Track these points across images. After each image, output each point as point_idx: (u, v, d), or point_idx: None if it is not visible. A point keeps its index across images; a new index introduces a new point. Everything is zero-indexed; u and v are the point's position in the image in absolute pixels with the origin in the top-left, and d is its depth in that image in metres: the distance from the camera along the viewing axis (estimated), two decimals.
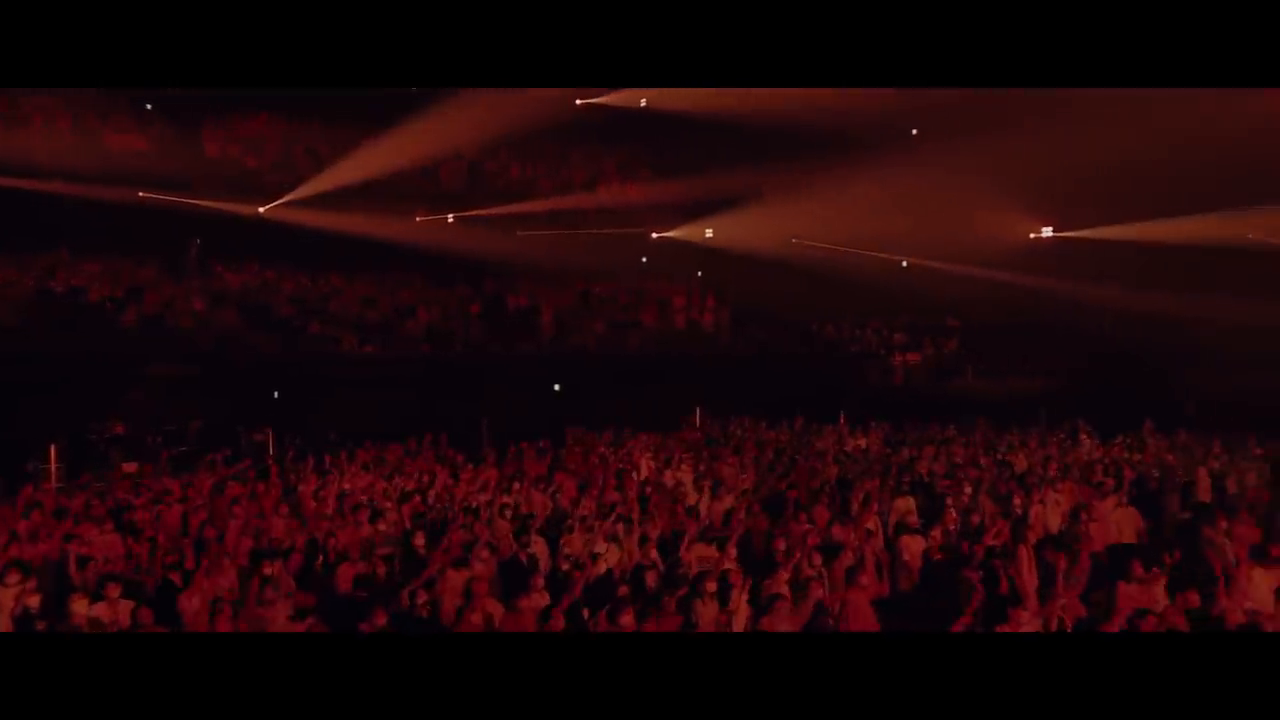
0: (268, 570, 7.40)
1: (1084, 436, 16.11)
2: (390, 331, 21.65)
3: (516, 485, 11.17)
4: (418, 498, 11.00)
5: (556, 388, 20.95)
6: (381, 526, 9.19)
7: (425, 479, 12.25)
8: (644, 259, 25.43)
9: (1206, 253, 19.56)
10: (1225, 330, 18.89)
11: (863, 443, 16.09)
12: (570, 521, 9.22)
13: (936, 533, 9.28)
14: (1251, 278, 19.28)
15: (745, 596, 6.95)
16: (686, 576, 7.43)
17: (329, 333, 20.42)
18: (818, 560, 7.79)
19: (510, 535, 9.08)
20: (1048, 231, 23.04)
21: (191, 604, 7.08)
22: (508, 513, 9.76)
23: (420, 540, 8.69)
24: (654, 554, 8.27)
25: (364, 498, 10.79)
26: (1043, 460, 13.43)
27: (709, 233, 24.85)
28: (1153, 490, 12.38)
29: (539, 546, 8.69)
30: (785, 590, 7.18)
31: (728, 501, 10.66)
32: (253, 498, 10.61)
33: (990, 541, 8.64)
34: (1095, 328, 21.18)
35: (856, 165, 24.42)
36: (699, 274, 25.35)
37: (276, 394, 18.37)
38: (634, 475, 12.33)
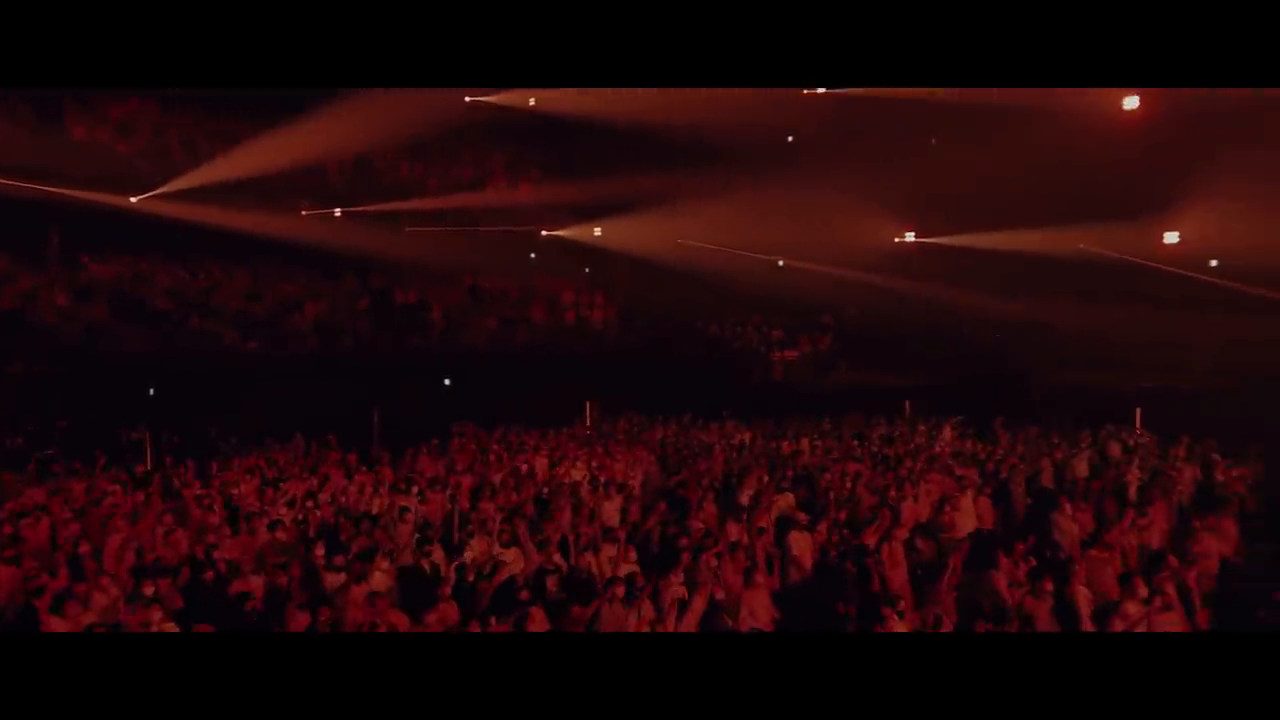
0: (149, 590, 6.81)
1: (946, 429, 16.91)
2: (276, 326, 20.67)
3: (415, 488, 10.81)
4: (310, 503, 10.50)
5: (447, 383, 20.52)
6: (281, 535, 8.68)
7: (316, 482, 11.71)
8: (533, 255, 25.19)
9: (1048, 262, 20.85)
10: (1065, 332, 20.24)
11: (746, 437, 16.39)
12: (471, 526, 8.98)
13: (822, 527, 9.50)
14: (1084, 286, 20.69)
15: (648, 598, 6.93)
16: (590, 580, 7.38)
17: (210, 328, 19.29)
18: (714, 560, 7.86)
19: (410, 540, 8.79)
20: (910, 237, 24.01)
21: (63, 629, 6.29)
22: (409, 516, 9.43)
23: (320, 551, 8.24)
24: (556, 557, 8.17)
25: (256, 504, 10.21)
26: (912, 453, 13.99)
27: (597, 231, 24.78)
28: (1003, 480, 13.09)
29: (438, 554, 8.41)
30: (683, 591, 7.22)
31: (621, 501, 10.64)
32: (134, 507, 9.87)
33: (872, 536, 8.94)
34: (953, 327, 22.26)
35: (737, 170, 24.94)
36: (586, 271, 25.31)
37: (152, 391, 17.23)
38: (531, 475, 12.16)
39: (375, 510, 10.09)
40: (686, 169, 23.50)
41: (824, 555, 9.09)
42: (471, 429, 15.80)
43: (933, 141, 24.03)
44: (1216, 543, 9.83)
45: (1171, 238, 20.75)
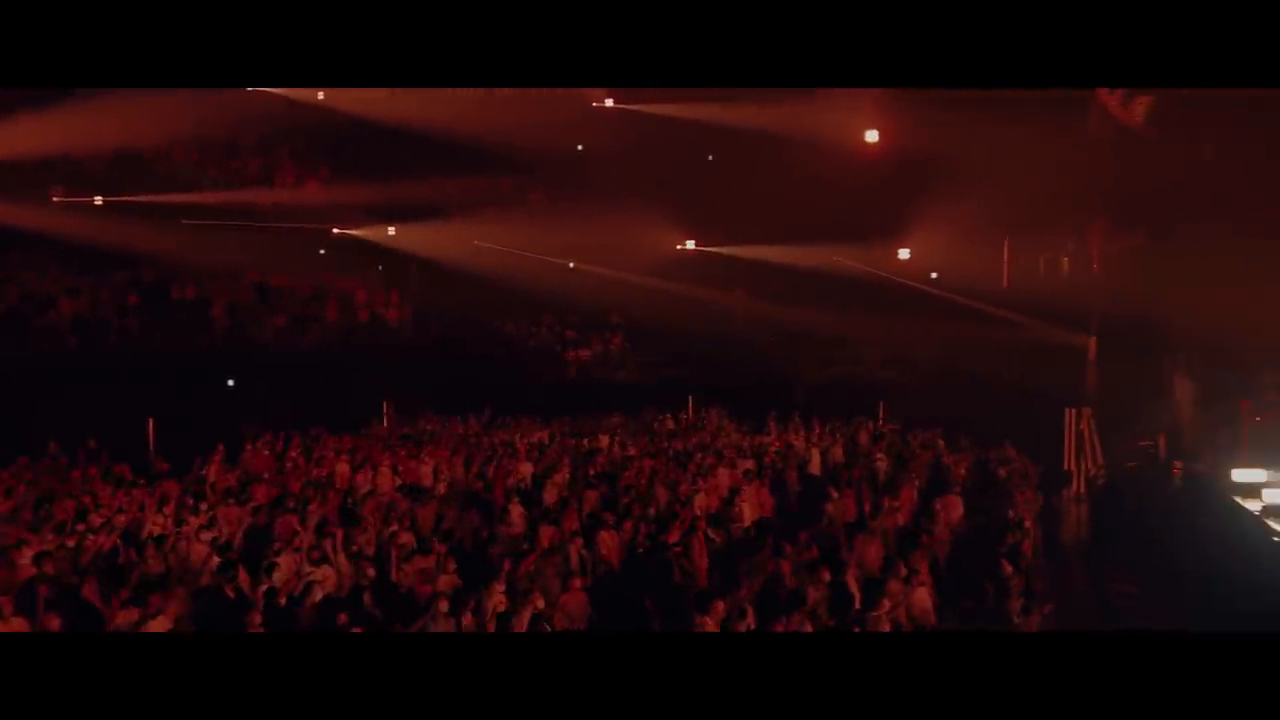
0: None
1: (726, 422, 17.76)
2: (25, 323, 17.86)
3: (204, 505, 9.72)
4: (81, 525, 9.11)
5: (231, 383, 18.73)
6: (49, 568, 7.41)
7: (86, 500, 10.16)
8: (322, 252, 23.56)
9: (807, 272, 22.45)
10: (823, 334, 21.89)
11: (544, 435, 16.31)
12: (276, 544, 8.21)
13: (627, 526, 9.62)
14: (837, 294, 22.50)
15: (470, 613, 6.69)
16: (411, 594, 6.99)
17: None
18: (532, 566, 7.73)
19: (206, 563, 7.89)
20: (691, 245, 24.96)
21: None
22: (205, 535, 8.44)
23: (91, 587, 7.13)
24: (371, 571, 7.67)
25: (14, 532, 8.70)
26: (700, 446, 14.54)
27: (391, 231, 23.60)
28: (779, 470, 13.96)
29: (242, 577, 7.58)
30: (504, 600, 7.04)
31: (436, 507, 10.21)
32: None
33: (675, 532, 9.18)
34: (729, 329, 23.31)
35: (530, 177, 24.76)
36: (380, 269, 24.05)
37: None
38: (333, 483, 11.35)
39: (160, 531, 8.95)
40: (481, 174, 23.02)
41: (630, 553, 9.24)
42: (267, 435, 14.40)
43: (709, 158, 25.17)
44: (947, 519, 11.07)
45: (904, 254, 23.11)
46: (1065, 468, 13.44)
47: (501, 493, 11.40)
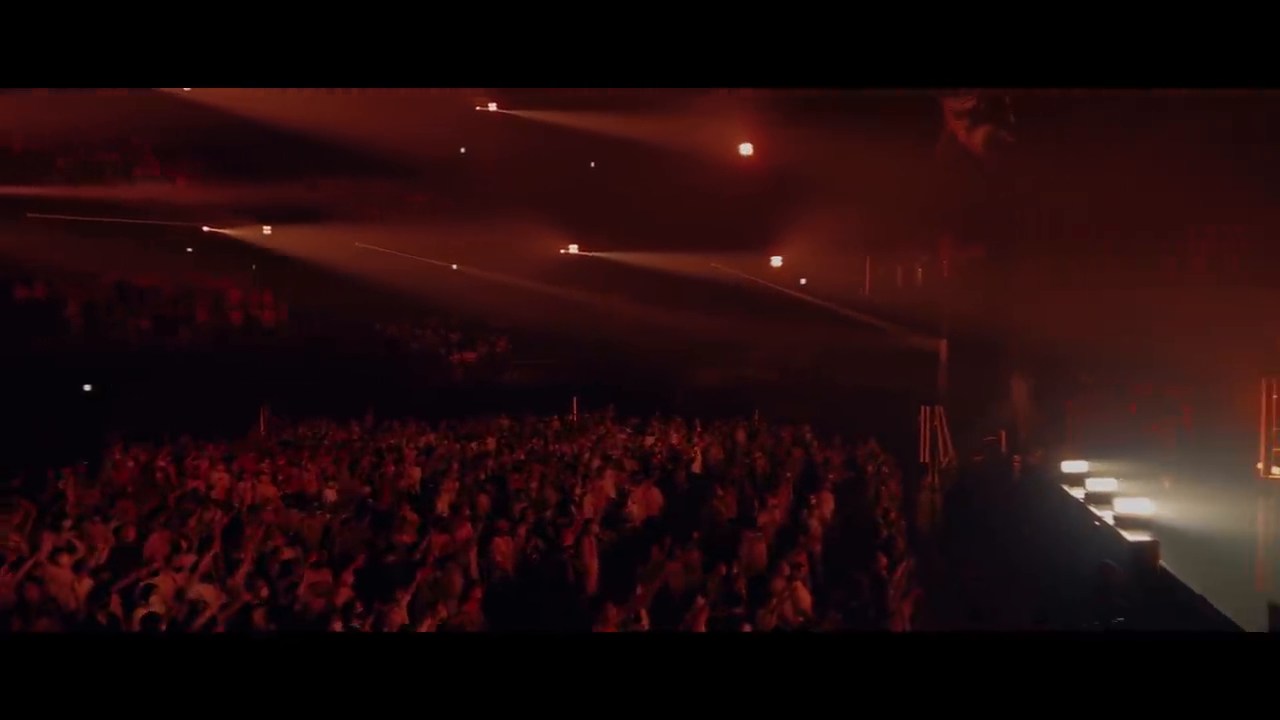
0: None
1: (611, 424, 17.83)
2: None
3: (67, 522, 8.87)
4: None
5: (88, 388, 17.24)
6: None
7: None
8: (190, 250, 22.06)
9: (688, 278, 22.90)
10: (702, 337, 22.36)
11: (431, 438, 15.90)
12: (155, 564, 7.60)
13: (521, 530, 9.50)
14: (715, 299, 23.07)
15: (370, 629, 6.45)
16: (305, 611, 6.66)
17: None
18: (431, 576, 7.53)
19: (72, 588, 7.21)
20: (574, 249, 24.94)
21: None
22: (63, 559, 7.69)
23: None
24: (264, 589, 7.22)
25: None
26: (589, 449, 14.55)
27: (267, 230, 22.38)
28: (668, 470, 14.13)
29: (115, 603, 6.95)
30: (405, 615, 6.83)
31: (325, 518, 9.74)
32: None
33: (569, 535, 9.15)
34: (613, 331, 23.45)
35: (412, 178, 24.05)
36: (254, 269, 22.75)
37: None
38: (211, 495, 10.63)
39: (15, 556, 8.08)
40: (362, 175, 22.21)
41: (524, 557, 9.14)
42: (133, 444, 13.29)
43: (592, 165, 25.24)
44: (821, 515, 11.54)
45: (777, 262, 23.96)
46: (921, 461, 14.28)
47: (391, 499, 11.04)
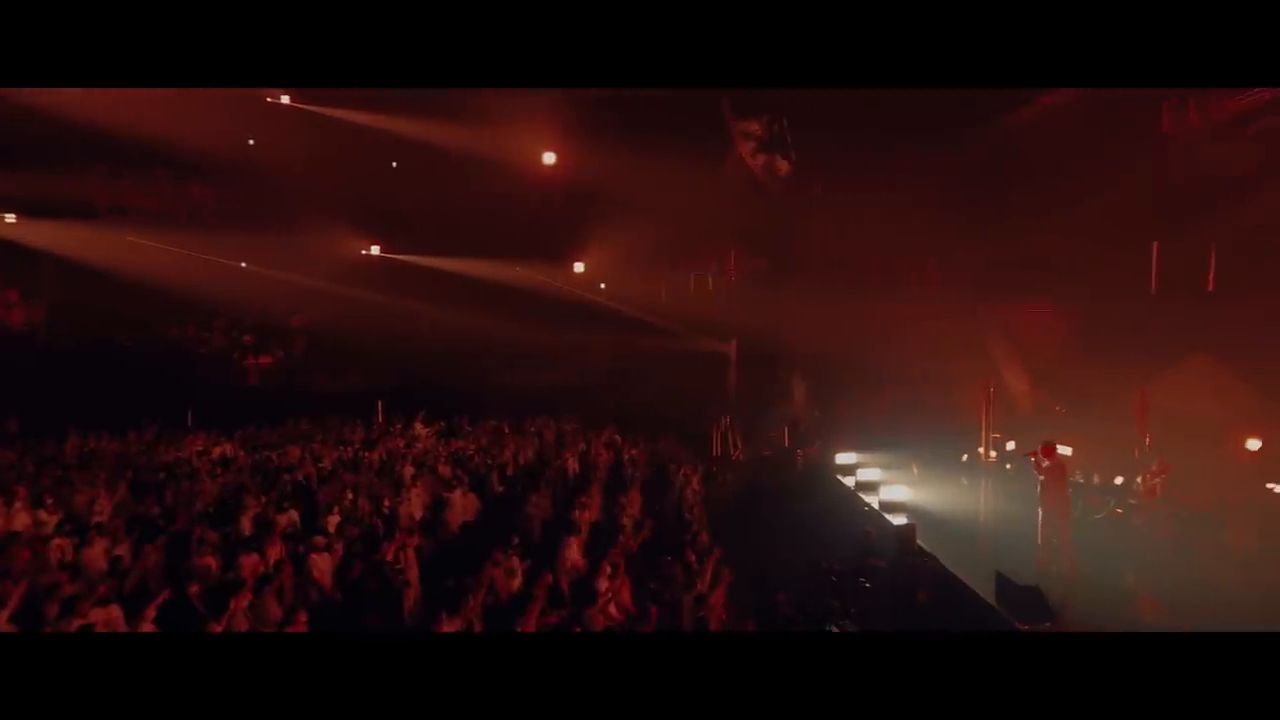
0: None
1: (420, 429, 17.20)
2: None
3: None
4: None
5: None
6: None
7: None
8: None
9: (493, 283, 22.62)
10: (507, 339, 22.18)
11: (227, 449, 14.49)
12: None
13: (339, 546, 8.95)
14: (517, 303, 22.99)
15: None
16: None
17: None
18: (245, 602, 6.90)
19: None
20: (376, 250, 23.77)
21: None
22: None
23: None
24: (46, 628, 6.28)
25: None
26: (400, 457, 13.94)
27: (11, 219, 19.28)
28: (482, 474, 13.86)
29: None
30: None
31: (106, 544, 8.58)
32: None
33: (390, 549, 8.73)
34: (416, 334, 22.65)
35: (193, 172, 21.79)
36: None
37: None
38: None
39: None
40: (135, 167, 19.75)
41: (343, 573, 8.61)
42: None
43: (394, 165, 24.15)
44: (632, 512, 11.87)
45: (579, 268, 24.29)
46: (715, 455, 15.13)
47: (186, 520, 9.96)
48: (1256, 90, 12.76)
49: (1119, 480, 12.23)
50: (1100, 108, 14.83)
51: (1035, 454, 9.43)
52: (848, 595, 8.70)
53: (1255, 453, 12.34)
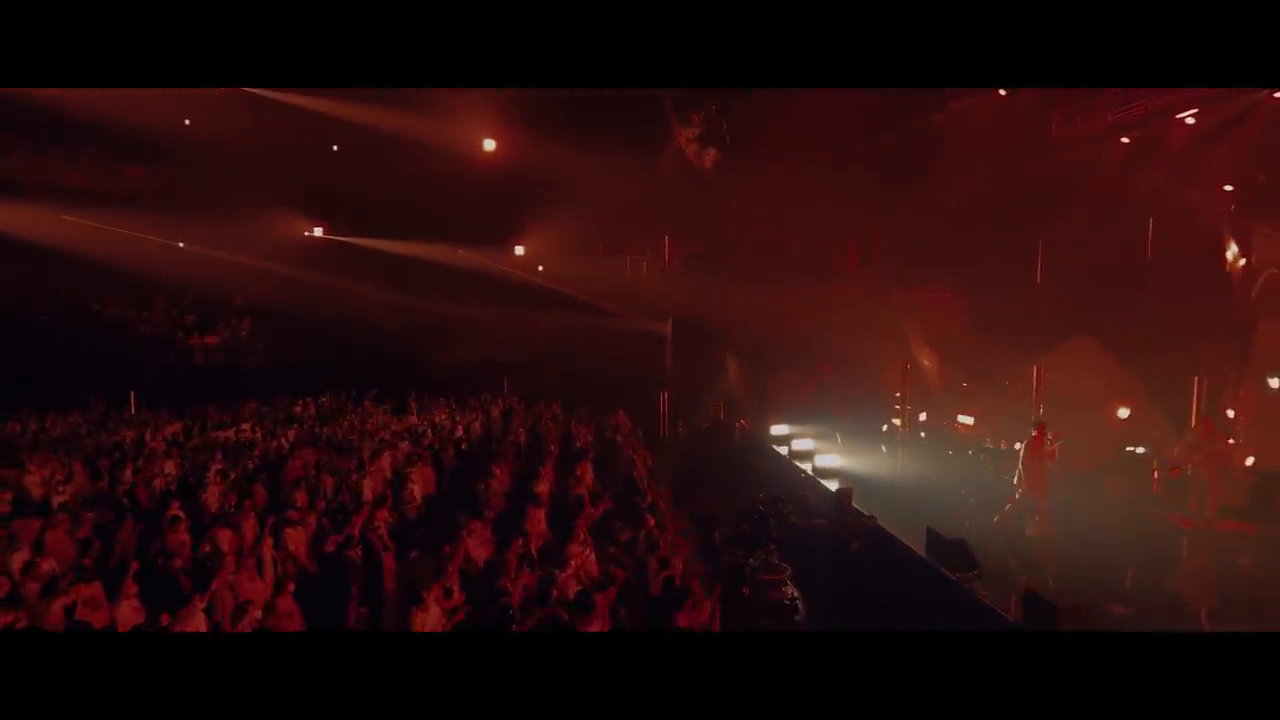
0: None
1: (370, 406, 16.79)
2: None
3: None
4: None
5: None
6: None
7: None
8: None
9: (436, 265, 22.14)
10: (452, 319, 21.76)
11: (178, 428, 13.84)
12: None
13: (312, 520, 8.74)
14: (460, 284, 22.54)
15: None
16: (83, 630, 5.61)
17: None
18: (230, 576, 6.69)
19: None
20: (319, 231, 22.91)
21: None
22: None
23: None
24: (18, 615, 5.94)
25: None
26: (357, 432, 13.62)
27: None
28: (436, 450, 13.63)
29: None
30: (204, 622, 6.03)
31: (67, 525, 8.12)
32: None
33: (358, 524, 8.57)
34: (360, 315, 21.94)
35: (128, 149, 20.47)
36: None
37: None
38: None
39: None
40: (65, 142, 18.40)
41: (318, 547, 8.43)
42: None
43: (334, 148, 23.23)
44: (586, 483, 11.91)
45: (520, 250, 24.01)
46: (660, 432, 15.35)
47: (148, 497, 9.55)
48: (1133, 105, 13.69)
49: (1017, 446, 13.02)
50: (1002, 113, 15.60)
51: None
52: (777, 527, 9.13)
53: (1124, 420, 13.38)
